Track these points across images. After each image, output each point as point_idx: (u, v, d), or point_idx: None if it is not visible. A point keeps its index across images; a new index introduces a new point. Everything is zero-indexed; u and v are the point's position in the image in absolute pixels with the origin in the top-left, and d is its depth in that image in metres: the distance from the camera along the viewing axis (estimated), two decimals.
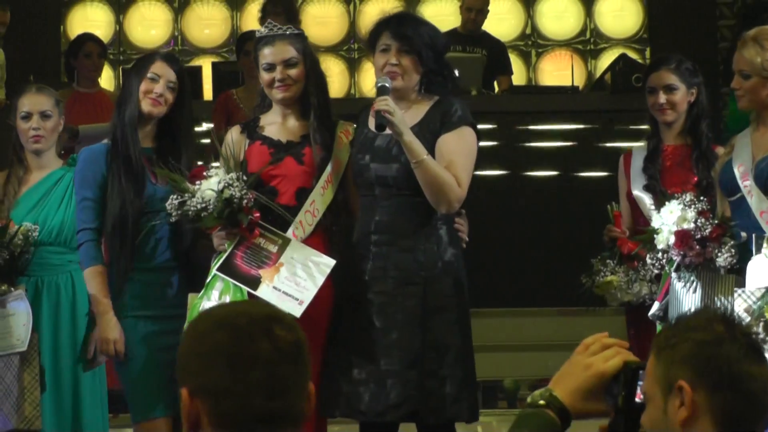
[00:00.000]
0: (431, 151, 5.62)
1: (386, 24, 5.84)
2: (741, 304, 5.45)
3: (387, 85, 5.61)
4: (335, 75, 12.66)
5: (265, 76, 5.87)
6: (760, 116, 5.84)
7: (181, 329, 5.59)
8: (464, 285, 5.75)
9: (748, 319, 5.38)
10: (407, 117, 5.67)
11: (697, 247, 5.65)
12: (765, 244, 5.49)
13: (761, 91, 5.74)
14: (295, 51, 5.86)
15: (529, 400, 2.86)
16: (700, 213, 5.66)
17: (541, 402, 2.80)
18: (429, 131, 5.66)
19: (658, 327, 5.65)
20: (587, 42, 13.55)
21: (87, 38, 10.36)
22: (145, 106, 5.92)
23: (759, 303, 5.40)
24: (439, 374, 5.59)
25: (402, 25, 5.79)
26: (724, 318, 2.92)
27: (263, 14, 11.13)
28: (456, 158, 5.64)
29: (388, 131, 5.57)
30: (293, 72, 5.84)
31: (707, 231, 5.63)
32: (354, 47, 13.56)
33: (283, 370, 2.52)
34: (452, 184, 5.58)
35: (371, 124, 5.69)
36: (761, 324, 5.36)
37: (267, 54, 5.85)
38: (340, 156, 5.86)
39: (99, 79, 10.27)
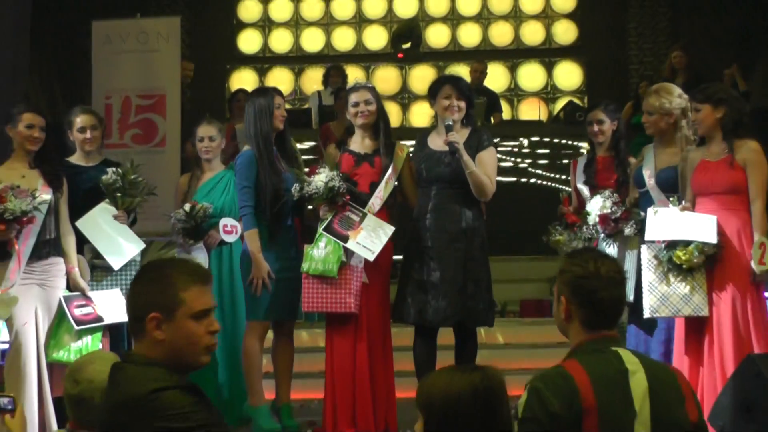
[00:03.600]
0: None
1: (449, 80, 5.90)
2: (650, 253, 5.38)
3: (451, 123, 5.67)
4: (393, 114, 12.67)
5: (351, 110, 5.89)
6: (661, 140, 5.77)
7: (298, 267, 5.63)
8: (486, 241, 5.76)
9: (656, 263, 5.33)
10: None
11: (612, 224, 5.66)
12: (671, 204, 5.44)
13: (660, 123, 5.71)
14: (370, 95, 5.88)
15: None
16: (614, 203, 5.68)
17: None
18: (470, 149, 5.68)
19: None
20: (548, 92, 13.54)
21: (240, 91, 10.34)
22: (278, 123, 5.81)
23: (664, 252, 5.32)
24: (475, 297, 5.61)
25: (460, 82, 5.87)
26: (596, 260, 2.98)
27: (327, 76, 11.11)
28: (489, 168, 5.70)
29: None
30: (369, 107, 5.85)
31: (618, 214, 5.65)
32: (405, 96, 13.59)
33: None
34: (489, 184, 5.66)
35: (432, 144, 5.79)
36: (666, 265, 5.30)
37: (354, 96, 5.88)
38: (398, 163, 5.83)
39: None
